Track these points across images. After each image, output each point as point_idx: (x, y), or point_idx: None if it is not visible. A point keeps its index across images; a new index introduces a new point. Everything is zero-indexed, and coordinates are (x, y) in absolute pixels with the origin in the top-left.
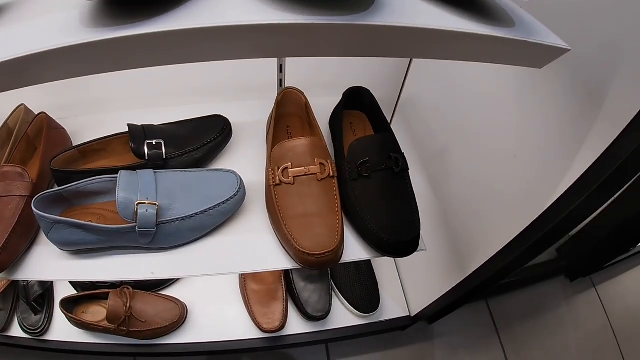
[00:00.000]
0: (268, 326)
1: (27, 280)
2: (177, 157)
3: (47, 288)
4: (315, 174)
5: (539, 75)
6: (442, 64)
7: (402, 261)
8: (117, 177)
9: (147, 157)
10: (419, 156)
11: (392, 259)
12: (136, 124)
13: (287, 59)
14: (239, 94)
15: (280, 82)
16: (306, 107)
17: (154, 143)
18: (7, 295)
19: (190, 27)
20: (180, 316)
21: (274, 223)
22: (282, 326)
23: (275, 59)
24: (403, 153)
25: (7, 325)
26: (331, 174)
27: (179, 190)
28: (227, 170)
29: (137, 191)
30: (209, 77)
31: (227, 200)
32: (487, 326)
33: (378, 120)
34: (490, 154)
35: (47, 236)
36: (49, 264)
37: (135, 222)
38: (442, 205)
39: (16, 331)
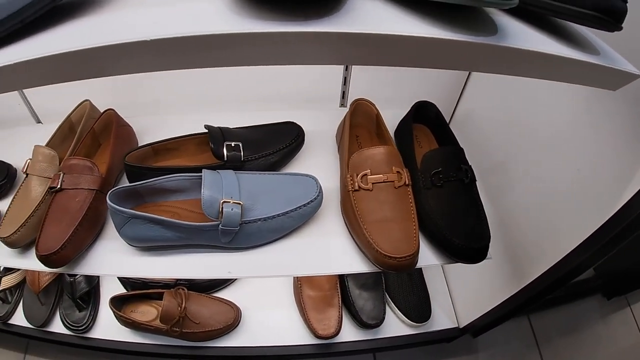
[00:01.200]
0: (324, 332)
1: (74, 277)
2: (253, 160)
3: (93, 285)
4: (393, 181)
5: (597, 92)
6: (500, 78)
7: (452, 272)
8: (195, 176)
9: (225, 159)
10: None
11: (441, 269)
12: (213, 125)
13: (352, 71)
14: (301, 103)
15: (343, 93)
16: (377, 118)
17: (233, 145)
18: (50, 291)
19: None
20: (234, 319)
21: (352, 227)
22: (337, 332)
23: (341, 70)
24: (470, 165)
25: (48, 320)
26: (407, 182)
27: (260, 192)
28: (307, 175)
29: (221, 190)
30: (271, 86)
31: (308, 203)
32: (528, 341)
33: (444, 134)
34: (551, 169)
35: (119, 231)
36: (114, 260)
37: (219, 221)
38: (498, 217)
39: (57, 327)
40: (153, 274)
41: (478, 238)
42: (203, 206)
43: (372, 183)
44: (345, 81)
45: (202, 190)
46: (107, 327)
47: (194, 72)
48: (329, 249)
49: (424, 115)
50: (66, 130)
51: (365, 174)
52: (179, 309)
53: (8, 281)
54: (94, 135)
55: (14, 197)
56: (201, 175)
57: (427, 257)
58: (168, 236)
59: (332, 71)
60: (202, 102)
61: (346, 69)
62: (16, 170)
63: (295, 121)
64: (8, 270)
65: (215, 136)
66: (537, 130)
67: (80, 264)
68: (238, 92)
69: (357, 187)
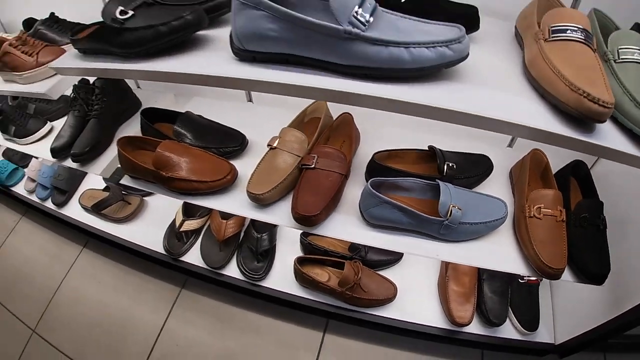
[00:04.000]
0: (460, 320)
1: (261, 234)
2: (459, 179)
3: (273, 245)
4: (556, 216)
5: None
6: None
7: (559, 293)
8: (422, 182)
9: (444, 174)
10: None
11: (549, 287)
12: (435, 146)
13: None
14: (478, 139)
15: (512, 138)
16: (546, 165)
17: (450, 165)
18: (230, 242)
19: None
20: (393, 295)
21: (522, 242)
22: (469, 323)
23: None
24: (605, 216)
25: (224, 265)
26: (564, 219)
27: (469, 204)
28: (499, 199)
29: (450, 197)
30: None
31: (498, 219)
32: None
33: (590, 188)
34: None
35: (365, 210)
36: (350, 229)
37: (446, 218)
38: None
39: (231, 271)
40: (379, 244)
41: (604, 268)
42: (440, 207)
43: (543, 215)
44: None
45: (441, 197)
46: (276, 280)
47: None
48: (502, 254)
49: (577, 170)
50: (301, 118)
51: (539, 207)
52: (355, 277)
53: (189, 225)
54: (330, 130)
55: (259, 164)
56: (426, 182)
57: (567, 275)
58: (402, 221)
59: None
60: (409, 122)
61: None
62: (248, 142)
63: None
64: (190, 216)
65: (440, 156)
66: None
67: (324, 226)
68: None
69: (532, 215)
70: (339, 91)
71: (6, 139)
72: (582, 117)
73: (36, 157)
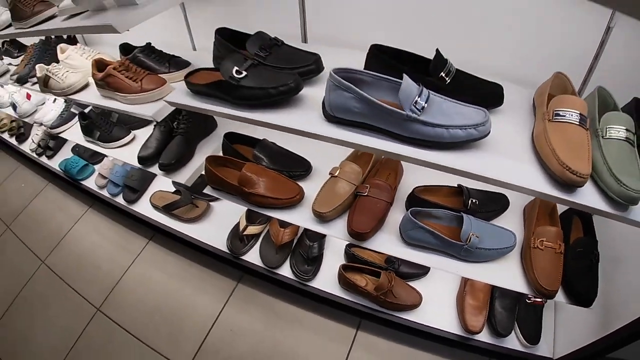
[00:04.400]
0: (473, 329)
1: (313, 243)
2: (480, 212)
3: (321, 252)
4: (555, 248)
5: None
6: None
7: (561, 313)
8: (450, 213)
9: (468, 208)
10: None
11: (553, 309)
12: (463, 184)
13: None
14: None
15: None
16: (553, 207)
17: (474, 201)
18: (285, 247)
19: None
20: (418, 302)
21: (526, 267)
22: (480, 331)
23: None
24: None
25: (279, 266)
26: (562, 252)
27: (485, 233)
28: (510, 230)
29: (470, 227)
30: None
31: (508, 247)
32: None
33: (590, 227)
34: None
35: (404, 232)
36: (390, 245)
37: (466, 243)
38: (604, 284)
39: (284, 272)
40: (412, 259)
41: (591, 294)
42: (462, 233)
43: (545, 246)
44: None
45: (464, 226)
46: (321, 282)
47: None
48: (509, 275)
49: (581, 211)
50: (356, 152)
51: (542, 240)
52: (389, 284)
53: (251, 230)
54: (380, 164)
55: (323, 188)
56: (453, 213)
57: (560, 296)
58: (432, 242)
59: None
60: None
61: None
62: (312, 168)
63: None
64: (252, 223)
65: (466, 193)
66: None
67: (370, 241)
68: None
69: (535, 246)
70: (396, 153)
71: (88, 141)
72: (565, 184)
73: (119, 161)
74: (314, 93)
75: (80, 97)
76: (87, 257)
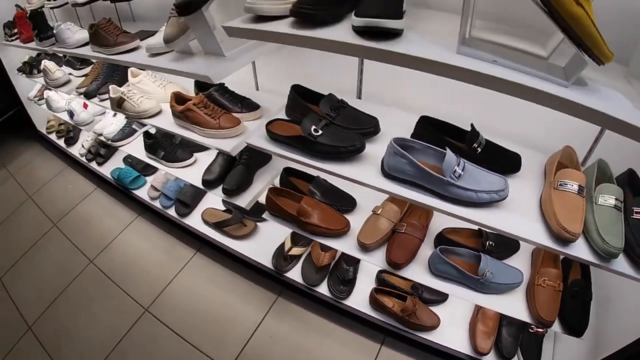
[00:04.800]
0: (482, 350)
1: (349, 267)
2: (495, 253)
3: (355, 275)
4: (555, 287)
5: None
6: None
7: (559, 344)
8: (473, 253)
9: (485, 248)
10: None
11: (553, 339)
12: (482, 228)
13: None
14: None
15: None
16: (556, 254)
17: (491, 243)
18: (324, 268)
19: None
20: (437, 324)
21: (529, 301)
22: (488, 353)
23: None
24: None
25: (318, 284)
26: (561, 290)
27: (498, 270)
28: (518, 269)
29: (486, 265)
30: None
31: (516, 283)
32: None
33: (586, 270)
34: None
35: (432, 265)
36: (419, 275)
37: (482, 277)
38: (595, 316)
39: (321, 290)
40: (437, 287)
41: (582, 326)
42: (479, 270)
43: (546, 285)
44: None
45: (481, 263)
46: (354, 301)
47: None
48: (515, 306)
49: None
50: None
51: (545, 279)
52: (413, 307)
53: (295, 251)
54: (414, 206)
55: (366, 222)
56: (473, 252)
57: (556, 326)
58: (454, 274)
59: None
60: None
61: None
62: (357, 204)
63: None
64: (296, 244)
65: (484, 235)
66: None
67: (404, 271)
68: None
69: (538, 284)
70: (436, 207)
71: (150, 158)
72: (561, 240)
73: (172, 176)
74: (372, 150)
75: (155, 122)
76: (136, 261)
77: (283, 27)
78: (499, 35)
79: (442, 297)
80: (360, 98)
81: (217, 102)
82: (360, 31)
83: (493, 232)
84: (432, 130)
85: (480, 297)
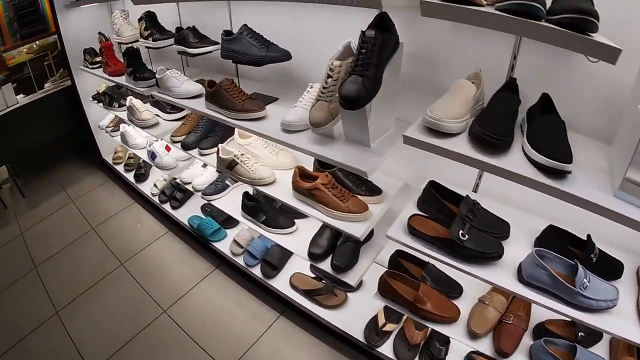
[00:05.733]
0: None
1: (444, 347)
2: (585, 342)
3: (446, 354)
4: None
5: None
6: None
7: None
8: (570, 344)
9: (577, 338)
10: None
11: None
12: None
13: None
14: None
15: None
16: (631, 347)
17: (582, 335)
18: (415, 347)
19: None
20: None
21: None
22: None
23: None
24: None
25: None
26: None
27: (588, 358)
28: (602, 357)
29: (581, 355)
30: None
31: None
32: None
33: None
34: None
35: (534, 354)
36: None
37: None
38: None
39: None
40: None
41: None
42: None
43: None
44: None
45: (577, 356)
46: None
47: None
48: None
49: None
50: None
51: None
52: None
53: (390, 327)
54: (513, 298)
55: (473, 311)
56: (569, 343)
57: None
58: None
59: None
60: None
61: None
62: (464, 291)
63: None
64: (388, 319)
65: (577, 327)
66: None
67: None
68: None
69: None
70: (564, 313)
71: (248, 219)
72: None
73: (257, 233)
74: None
75: (271, 192)
76: (215, 317)
77: (463, 148)
78: None
79: None
80: (476, 192)
81: (341, 182)
82: (541, 168)
83: (584, 326)
84: (558, 239)
85: None
